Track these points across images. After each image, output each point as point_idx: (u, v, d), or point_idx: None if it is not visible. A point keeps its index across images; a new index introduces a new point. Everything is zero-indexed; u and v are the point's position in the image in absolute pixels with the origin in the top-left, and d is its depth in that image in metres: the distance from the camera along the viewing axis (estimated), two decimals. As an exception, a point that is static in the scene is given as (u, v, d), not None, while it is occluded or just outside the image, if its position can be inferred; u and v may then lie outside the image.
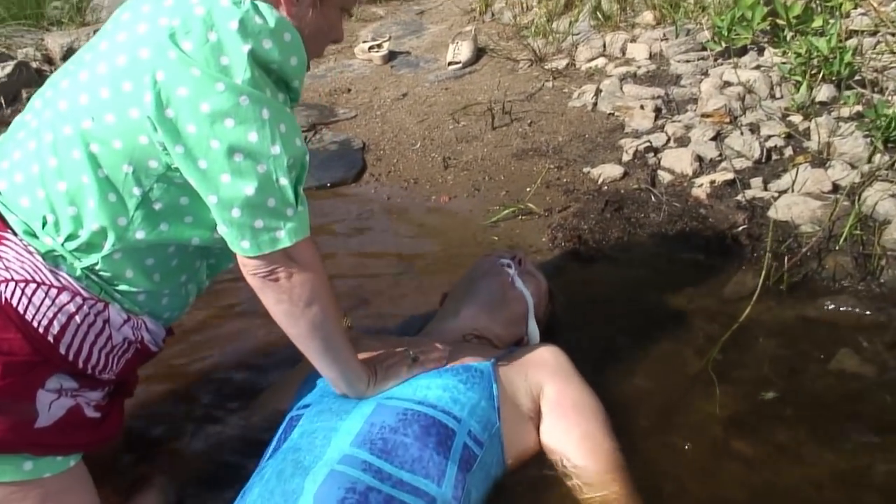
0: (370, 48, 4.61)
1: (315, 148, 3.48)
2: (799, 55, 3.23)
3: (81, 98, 1.35)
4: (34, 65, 3.89)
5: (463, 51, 4.36)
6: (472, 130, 3.52)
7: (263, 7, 1.31)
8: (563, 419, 1.69)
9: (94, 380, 1.45)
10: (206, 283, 1.65)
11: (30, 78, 3.70)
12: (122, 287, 1.44)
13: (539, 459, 1.68)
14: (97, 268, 1.40)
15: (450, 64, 4.33)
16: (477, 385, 1.61)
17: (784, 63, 3.34)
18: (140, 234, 1.40)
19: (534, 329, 1.98)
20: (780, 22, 3.57)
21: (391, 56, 4.58)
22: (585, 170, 3.06)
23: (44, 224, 1.38)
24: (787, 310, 2.21)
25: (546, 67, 4.09)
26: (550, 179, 3.03)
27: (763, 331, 2.12)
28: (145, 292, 1.48)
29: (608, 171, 2.98)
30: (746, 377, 1.98)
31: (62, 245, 1.38)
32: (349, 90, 4.17)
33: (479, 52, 4.43)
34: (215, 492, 1.57)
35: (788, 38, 3.50)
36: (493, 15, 5.09)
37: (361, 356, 1.66)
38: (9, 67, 3.68)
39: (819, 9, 3.56)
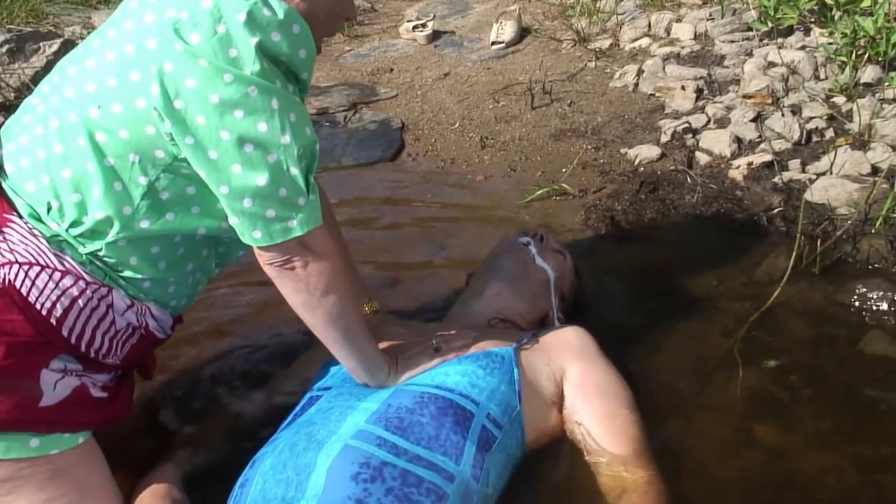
0: (414, 27, 4.61)
1: (354, 127, 3.51)
2: (845, 35, 3.17)
3: (88, 86, 1.36)
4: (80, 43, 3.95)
5: (506, 30, 4.34)
6: (511, 110, 3.52)
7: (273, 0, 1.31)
8: (586, 400, 1.68)
9: (99, 363, 1.47)
10: (215, 271, 1.66)
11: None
12: (127, 273, 1.46)
13: (561, 441, 1.68)
14: (101, 254, 1.41)
15: (493, 44, 4.32)
16: (497, 370, 1.61)
17: (830, 43, 3.28)
18: (145, 224, 1.41)
19: (557, 304, 1.98)
20: (827, 1, 3.51)
21: (435, 35, 4.59)
22: (623, 151, 3.04)
23: (48, 209, 1.39)
24: (817, 292, 2.18)
25: (589, 48, 4.06)
26: (587, 160, 3.02)
27: (792, 313, 2.10)
28: (150, 279, 1.49)
29: (645, 152, 2.96)
30: (773, 358, 1.95)
31: (66, 230, 1.40)
32: (392, 70, 4.18)
33: (522, 32, 4.41)
34: (234, 466, 1.59)
35: (835, 17, 3.43)
36: (538, -6, 5.07)
37: (384, 344, 1.68)
38: (55, 45, 3.74)
39: (868, -12, 3.48)
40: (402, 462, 1.39)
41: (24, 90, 3.57)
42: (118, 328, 1.47)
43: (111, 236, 1.40)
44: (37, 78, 3.62)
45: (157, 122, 1.31)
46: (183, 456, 1.71)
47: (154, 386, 1.94)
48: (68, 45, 3.81)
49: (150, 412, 1.91)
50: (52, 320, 1.37)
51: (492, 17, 4.66)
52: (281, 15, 1.31)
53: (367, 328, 1.59)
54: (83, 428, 1.46)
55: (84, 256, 1.41)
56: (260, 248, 1.40)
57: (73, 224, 1.39)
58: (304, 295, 1.46)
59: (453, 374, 1.59)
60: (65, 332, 1.39)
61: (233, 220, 1.38)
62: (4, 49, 3.76)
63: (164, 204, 1.41)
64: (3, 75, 3.69)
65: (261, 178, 1.32)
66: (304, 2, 1.41)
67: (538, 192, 2.81)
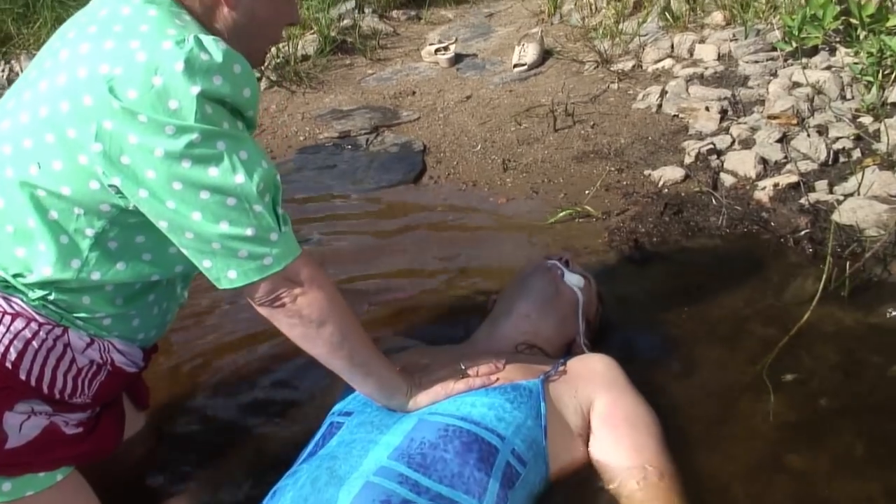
0: (437, 51, 4.61)
1: (376, 150, 3.50)
2: (871, 55, 3.13)
3: (25, 142, 1.30)
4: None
5: (529, 53, 4.34)
6: (533, 133, 3.50)
7: (208, 41, 1.25)
8: (614, 432, 1.64)
9: (68, 404, 1.42)
10: (183, 296, 1.60)
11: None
12: (82, 314, 1.41)
13: (587, 473, 1.64)
14: (51, 298, 1.37)
15: (515, 66, 4.31)
16: (524, 404, 1.57)
17: (856, 63, 3.24)
18: (96, 276, 1.36)
19: (583, 330, 1.96)
20: (853, 21, 3.46)
21: (457, 58, 4.58)
22: (646, 172, 3.01)
23: None
24: (848, 316, 2.13)
25: (612, 69, 4.04)
26: (610, 182, 2.99)
27: (822, 337, 2.06)
28: (110, 316, 1.44)
29: (669, 174, 2.93)
30: (803, 385, 1.91)
31: (13, 278, 1.35)
32: (414, 92, 4.18)
33: (545, 55, 4.40)
34: (253, 497, 1.57)
35: (861, 37, 3.39)
36: (561, 17, 5.06)
37: (409, 367, 1.65)
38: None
39: (894, 7, 3.44)
40: (423, 501, 1.36)
41: None
42: (80, 366, 1.41)
43: (60, 286, 1.36)
44: None
45: (102, 177, 1.27)
46: (197, 489, 1.68)
47: (164, 415, 1.92)
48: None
49: (161, 444, 1.89)
50: (8, 364, 1.32)
51: (514, 40, 4.65)
52: (219, 58, 1.25)
53: (378, 350, 1.56)
54: (60, 465, 1.41)
55: (34, 301, 1.36)
56: (235, 289, 1.34)
57: (18, 276, 1.35)
58: (299, 329, 1.42)
59: (480, 405, 1.55)
60: (22, 376, 1.34)
61: (205, 265, 1.33)
62: None
63: (113, 254, 1.37)
64: None
65: (223, 224, 1.28)
66: (237, 14, 1.39)
67: (561, 215, 2.78)
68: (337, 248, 2.75)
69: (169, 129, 1.22)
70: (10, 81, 3.75)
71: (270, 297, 1.37)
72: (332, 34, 4.78)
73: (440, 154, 3.44)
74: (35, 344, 1.35)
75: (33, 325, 1.35)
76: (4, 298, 1.35)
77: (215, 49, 1.25)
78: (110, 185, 1.28)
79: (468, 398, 1.57)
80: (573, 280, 1.97)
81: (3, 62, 3.88)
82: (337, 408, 1.67)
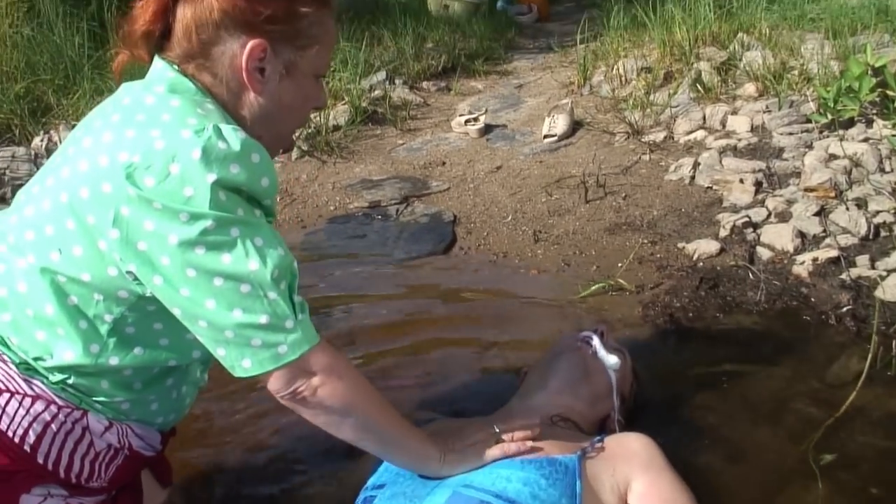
0: (467, 121, 4.63)
1: (406, 220, 3.48)
2: (910, 127, 3.09)
3: (47, 229, 1.31)
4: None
5: (559, 123, 4.33)
6: (564, 204, 3.47)
7: (227, 130, 1.26)
8: None
9: (84, 488, 1.40)
10: (203, 379, 1.58)
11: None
12: (101, 398, 1.39)
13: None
14: (70, 382, 1.35)
15: (545, 137, 4.31)
16: (560, 481, 1.50)
17: (894, 135, 3.19)
18: (114, 360, 1.35)
19: (618, 406, 1.89)
20: (889, 93, 3.43)
21: (487, 129, 4.59)
22: (680, 245, 2.96)
23: (10, 346, 1.35)
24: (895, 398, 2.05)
25: (643, 140, 4.02)
26: (643, 255, 2.94)
27: (869, 420, 1.97)
28: (128, 401, 1.42)
29: (704, 247, 2.88)
30: (851, 470, 1.82)
31: (34, 360, 1.34)
32: (444, 163, 4.17)
33: (575, 125, 4.40)
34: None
35: (898, 109, 3.36)
36: (591, 88, 5.07)
37: (442, 430, 1.61)
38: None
39: (932, 79, 3.40)
40: None
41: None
42: (98, 450, 1.40)
43: (80, 370, 1.34)
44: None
45: (120, 263, 1.27)
46: None
47: (186, 488, 1.87)
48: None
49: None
50: (26, 447, 1.31)
51: (544, 111, 4.66)
52: (237, 147, 1.25)
53: (407, 424, 1.52)
54: None
55: (55, 384, 1.35)
56: (250, 377, 1.31)
57: (39, 359, 1.34)
58: (322, 418, 1.38)
59: (515, 480, 1.48)
60: (40, 460, 1.32)
61: (219, 353, 1.30)
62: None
63: (131, 339, 1.36)
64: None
65: (237, 311, 1.26)
66: (264, 100, 1.39)
67: (593, 288, 2.73)
68: (366, 319, 2.70)
69: (183, 217, 1.22)
70: (48, 151, 3.79)
71: (289, 388, 1.33)
72: (363, 105, 4.81)
73: (470, 225, 3.41)
74: (54, 427, 1.34)
75: (53, 408, 1.34)
76: (25, 380, 1.34)
77: (234, 138, 1.25)
78: (127, 272, 1.28)
79: (503, 471, 1.51)
80: (609, 361, 1.91)
81: (42, 132, 3.92)
82: (370, 481, 1.63)
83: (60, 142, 3.81)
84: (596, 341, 1.93)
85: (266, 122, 1.42)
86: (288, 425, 2.08)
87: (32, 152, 3.79)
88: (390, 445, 1.48)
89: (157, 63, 1.37)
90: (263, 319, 1.27)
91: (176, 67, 1.36)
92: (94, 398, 1.38)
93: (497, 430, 1.60)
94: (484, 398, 2.18)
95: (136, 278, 1.28)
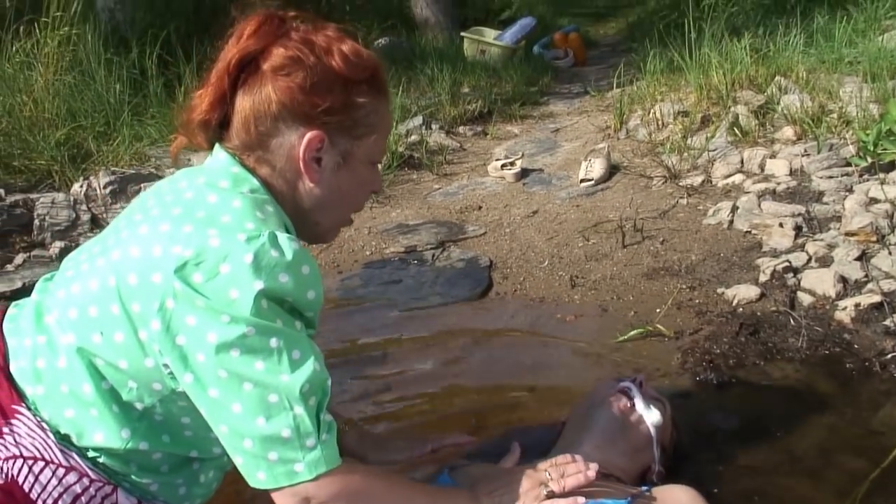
0: (503, 166, 4.64)
1: (442, 265, 3.48)
2: (952, 170, 3.05)
3: (91, 309, 1.32)
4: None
5: (595, 168, 4.33)
6: (601, 248, 3.45)
7: (282, 239, 1.28)
8: None
9: None
10: (229, 464, 1.54)
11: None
12: (132, 478, 1.40)
13: None
14: (101, 461, 1.36)
15: (582, 181, 4.31)
16: None
17: (936, 179, 3.15)
18: (143, 446, 1.36)
19: (658, 457, 1.86)
20: (930, 136, 3.39)
21: (524, 173, 4.60)
22: (719, 290, 2.93)
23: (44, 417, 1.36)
24: (943, 448, 2.00)
25: (680, 184, 4.01)
26: (682, 300, 2.91)
27: (917, 471, 1.93)
28: (156, 483, 1.42)
29: (744, 292, 2.84)
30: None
31: (62, 439, 1.35)
32: (480, 207, 4.18)
33: (612, 170, 4.39)
34: None
35: (940, 152, 3.31)
36: (627, 132, 5.07)
37: (490, 474, 1.60)
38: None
39: (973, 122, 3.36)
40: None
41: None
42: None
43: (110, 452, 1.36)
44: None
45: (157, 355, 1.28)
46: None
47: None
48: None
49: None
50: None
51: (580, 155, 4.67)
52: (290, 256, 1.26)
53: (434, 493, 1.54)
54: None
55: (88, 459, 1.36)
56: (264, 490, 1.31)
57: (66, 437, 1.35)
58: None
59: None
60: None
61: (237, 460, 1.31)
62: (108, 190, 3.90)
63: (160, 426, 1.37)
64: (105, 215, 3.81)
65: (260, 420, 1.25)
66: (320, 189, 1.41)
67: (632, 333, 2.70)
68: (402, 365, 2.70)
69: (224, 318, 1.23)
70: (87, 198, 3.86)
71: None
72: (400, 149, 4.85)
73: (507, 270, 3.40)
74: (83, 499, 1.34)
75: (85, 481, 1.35)
76: (62, 451, 1.34)
77: (287, 247, 1.27)
78: (164, 364, 1.29)
79: None
80: (652, 418, 1.87)
81: (82, 178, 3.99)
82: None
83: (100, 188, 3.88)
84: (635, 392, 1.90)
85: (323, 209, 1.44)
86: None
87: (72, 198, 3.85)
88: None
89: (220, 154, 1.40)
90: (286, 433, 1.26)
91: (238, 159, 1.38)
92: (125, 477, 1.39)
93: (549, 476, 1.57)
94: (522, 447, 2.16)
95: (171, 372, 1.29)
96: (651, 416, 1.87)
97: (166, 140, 4.61)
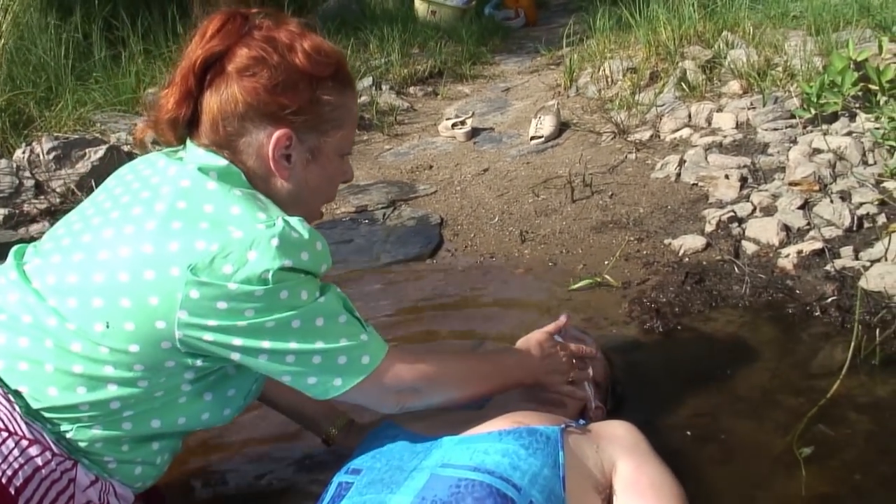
0: (454, 125, 4.64)
1: (393, 224, 3.48)
2: (892, 119, 3.10)
3: (95, 301, 1.34)
4: (125, 148, 4.01)
5: (545, 125, 4.34)
6: (551, 204, 3.48)
7: (294, 222, 1.36)
8: (640, 499, 1.55)
9: None
10: (180, 447, 1.61)
11: (121, 161, 3.81)
12: (92, 455, 1.43)
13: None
14: (69, 436, 1.39)
15: (532, 139, 4.32)
16: (540, 451, 1.48)
17: (877, 128, 3.21)
18: (127, 426, 1.42)
19: (593, 393, 1.90)
20: (872, 87, 3.45)
21: (474, 132, 4.60)
22: (666, 241, 2.97)
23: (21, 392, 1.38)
24: (879, 385, 2.06)
25: (629, 139, 4.04)
26: (630, 252, 2.95)
27: (854, 407, 1.98)
28: (115, 461, 1.46)
29: (690, 243, 2.88)
30: (836, 458, 1.83)
31: (39, 411, 1.38)
32: (431, 167, 4.18)
33: (562, 127, 4.41)
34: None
35: (881, 102, 3.37)
36: (577, 90, 5.09)
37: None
38: (101, 151, 3.79)
39: (913, 72, 3.42)
40: None
41: (70, 195, 3.62)
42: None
43: (80, 421, 1.40)
44: (82, 184, 3.68)
45: (177, 341, 1.34)
46: None
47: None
48: (113, 151, 3.87)
49: None
50: (11, 489, 1.31)
51: (530, 113, 4.67)
52: (307, 235, 1.36)
53: (491, 357, 1.89)
54: None
55: (54, 433, 1.39)
56: (345, 393, 1.44)
57: (43, 409, 1.38)
58: (426, 402, 1.56)
59: (493, 452, 1.46)
60: (21, 503, 1.33)
61: (310, 382, 1.42)
62: (51, 156, 3.82)
63: (148, 399, 1.42)
64: (49, 181, 3.75)
65: (319, 342, 1.38)
66: (291, 185, 1.47)
67: (580, 284, 2.73)
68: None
69: (258, 292, 1.31)
70: (30, 163, 3.78)
71: (384, 391, 1.48)
72: (350, 110, 4.80)
73: (457, 227, 3.41)
74: (43, 472, 1.35)
75: (47, 454, 1.36)
76: (27, 424, 1.36)
77: (301, 227, 1.36)
78: (186, 346, 1.35)
79: (480, 445, 1.50)
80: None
81: (24, 144, 3.90)
82: (346, 465, 1.61)
83: (43, 154, 3.80)
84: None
85: (295, 203, 1.49)
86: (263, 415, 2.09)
87: (14, 165, 3.76)
88: (498, 382, 1.69)
89: (197, 150, 1.44)
90: (343, 341, 1.40)
91: (216, 154, 1.43)
92: (86, 454, 1.42)
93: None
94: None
95: (190, 351, 1.36)
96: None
97: (111, 104, 4.54)
